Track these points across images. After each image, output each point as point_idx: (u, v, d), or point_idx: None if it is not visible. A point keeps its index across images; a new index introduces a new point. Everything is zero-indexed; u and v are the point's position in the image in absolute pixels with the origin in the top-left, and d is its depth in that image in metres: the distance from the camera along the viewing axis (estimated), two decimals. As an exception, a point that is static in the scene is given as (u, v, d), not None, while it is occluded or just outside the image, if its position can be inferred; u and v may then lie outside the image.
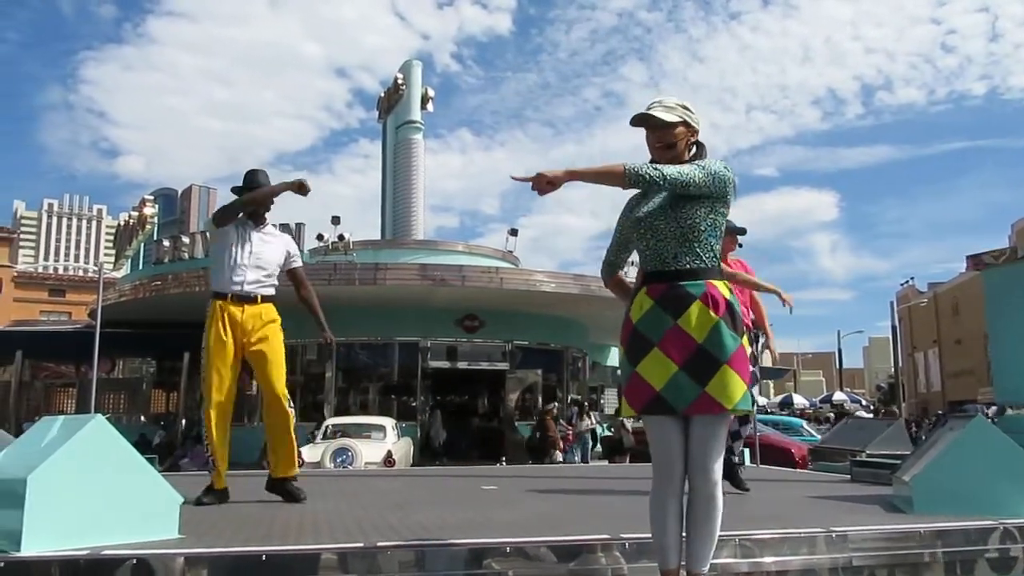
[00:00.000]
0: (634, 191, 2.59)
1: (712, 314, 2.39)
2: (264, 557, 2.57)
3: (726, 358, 2.35)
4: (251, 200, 4.18)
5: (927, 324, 55.40)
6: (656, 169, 2.42)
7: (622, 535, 2.85)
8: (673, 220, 2.47)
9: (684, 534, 2.42)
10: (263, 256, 4.19)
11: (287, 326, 4.28)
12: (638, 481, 5.13)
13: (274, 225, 4.42)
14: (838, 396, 35.69)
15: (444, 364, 19.69)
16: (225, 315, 4.03)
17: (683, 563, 2.41)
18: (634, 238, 2.57)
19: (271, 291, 4.22)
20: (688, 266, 2.45)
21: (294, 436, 4.16)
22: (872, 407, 42.80)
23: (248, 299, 4.09)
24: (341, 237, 20.02)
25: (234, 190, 4.35)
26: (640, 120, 2.56)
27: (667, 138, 2.55)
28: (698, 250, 2.47)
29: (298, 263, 4.42)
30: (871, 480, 5.04)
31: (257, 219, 4.27)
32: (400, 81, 28.88)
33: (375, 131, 32.60)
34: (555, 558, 2.75)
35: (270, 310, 4.18)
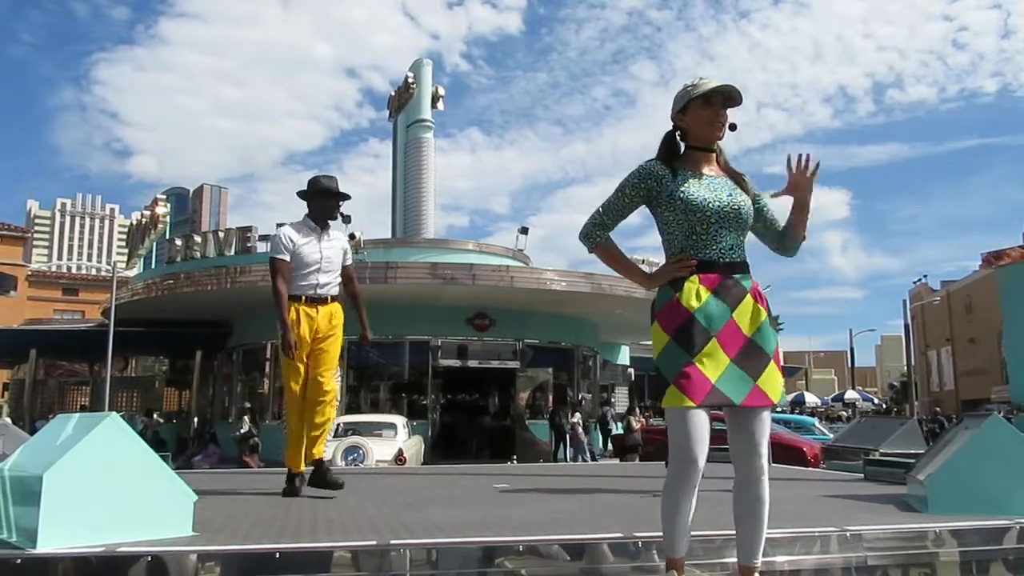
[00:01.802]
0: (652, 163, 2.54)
1: (761, 309, 2.43)
2: (277, 555, 2.58)
3: (772, 352, 2.41)
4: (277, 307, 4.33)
5: (940, 322, 55.03)
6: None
7: (635, 534, 2.85)
8: (739, 211, 2.49)
9: (735, 528, 2.50)
10: (332, 260, 4.46)
11: None
12: (649, 480, 5.12)
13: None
14: (850, 395, 35.56)
15: (455, 362, 19.71)
16: (301, 316, 4.29)
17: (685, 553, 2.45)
18: (694, 222, 2.45)
19: (337, 290, 4.51)
20: (740, 259, 2.49)
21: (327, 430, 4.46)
22: (884, 405, 42.59)
23: (322, 301, 4.39)
24: (352, 236, 20.07)
25: (299, 195, 4.58)
26: (729, 95, 2.50)
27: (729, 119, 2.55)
28: (744, 243, 2.52)
29: (350, 261, 4.65)
30: (885, 479, 5.01)
31: (325, 226, 4.51)
32: (410, 80, 28.91)
33: (385, 131, 32.70)
34: (567, 556, 2.75)
35: (338, 310, 4.49)
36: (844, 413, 33.26)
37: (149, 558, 2.47)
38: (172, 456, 13.63)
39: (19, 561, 2.44)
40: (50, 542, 2.50)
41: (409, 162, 28.89)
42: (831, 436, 13.75)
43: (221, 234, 21.63)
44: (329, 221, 4.52)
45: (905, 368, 37.96)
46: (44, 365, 24.90)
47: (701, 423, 2.34)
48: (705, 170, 2.54)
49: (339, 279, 4.52)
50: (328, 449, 11.78)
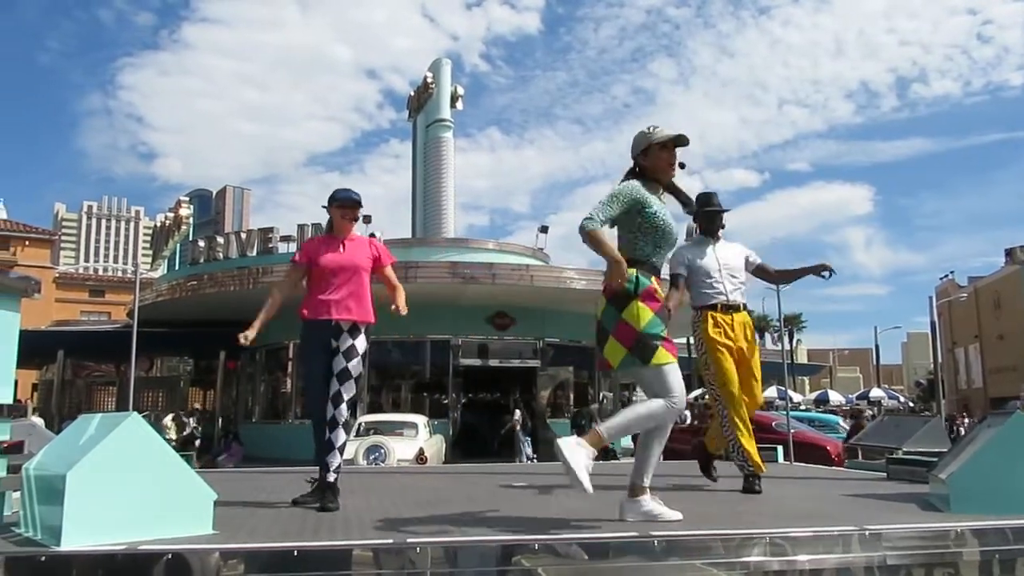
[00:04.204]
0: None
1: None
2: (296, 553, 2.60)
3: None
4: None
5: (967, 319, 54.23)
6: None
7: (651, 533, 2.84)
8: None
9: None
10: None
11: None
12: (668, 479, 5.10)
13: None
14: (875, 393, 35.13)
15: (475, 362, 19.75)
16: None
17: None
18: (660, 239, 3.33)
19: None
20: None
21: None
22: (911, 404, 42.03)
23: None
24: (373, 236, 20.13)
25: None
26: (682, 140, 3.31)
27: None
28: None
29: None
30: (907, 478, 4.95)
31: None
32: (430, 80, 28.98)
33: (405, 131, 32.85)
34: (586, 556, 2.74)
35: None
36: (870, 411, 32.87)
37: (170, 556, 2.50)
38: (196, 455, 13.74)
39: (43, 559, 2.48)
40: (73, 540, 2.54)
41: (429, 162, 28.96)
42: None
43: (243, 235, 21.82)
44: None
45: (932, 366, 37.46)
46: (72, 366, 25.25)
47: (679, 373, 3.19)
48: (659, 197, 3.35)
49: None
50: (350, 448, 11.90)
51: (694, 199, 3.63)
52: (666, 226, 3.28)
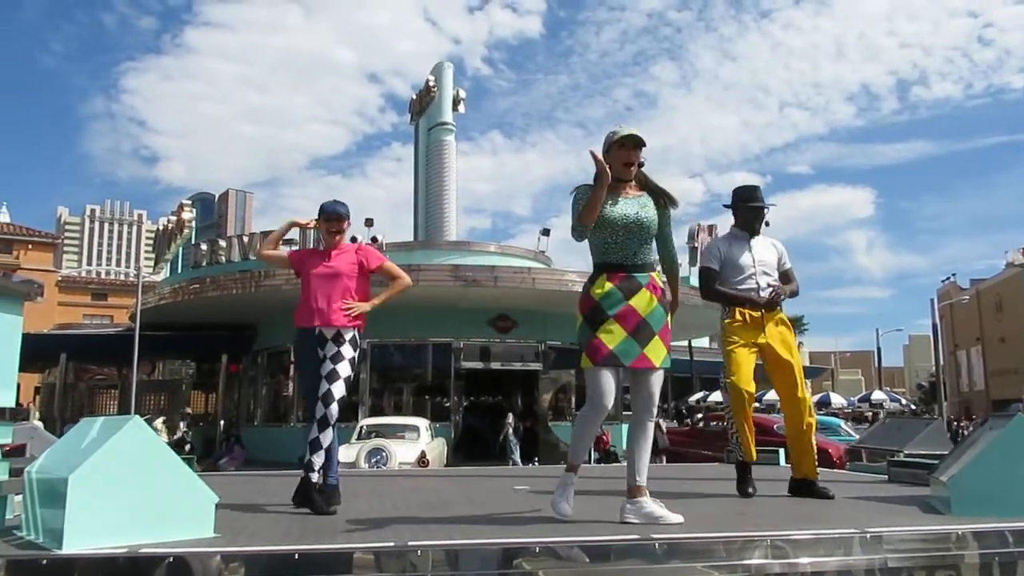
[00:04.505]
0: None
1: (653, 297, 3.41)
2: (297, 556, 2.61)
3: (658, 329, 3.40)
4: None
5: (970, 322, 54.19)
6: None
7: (652, 536, 2.84)
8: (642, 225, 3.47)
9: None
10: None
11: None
12: (671, 482, 5.10)
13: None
14: (877, 395, 35.05)
15: (477, 365, 19.73)
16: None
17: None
18: (606, 233, 3.44)
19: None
20: (642, 261, 3.48)
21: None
22: (913, 406, 41.98)
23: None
24: (374, 239, 20.19)
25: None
26: (637, 141, 3.42)
27: (640, 157, 3.48)
28: (649, 248, 3.54)
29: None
30: (909, 481, 4.94)
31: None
32: (432, 83, 29.04)
33: (407, 135, 32.91)
34: (587, 558, 2.75)
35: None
36: (870, 414, 32.84)
37: (171, 559, 2.51)
38: (198, 458, 13.76)
39: (45, 562, 2.48)
40: (75, 543, 2.54)
41: (431, 165, 29.01)
42: (857, 437, 13.59)
43: (246, 238, 21.85)
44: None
45: (934, 368, 37.41)
46: (74, 369, 25.27)
47: (606, 377, 3.31)
48: (621, 194, 3.45)
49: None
50: (351, 451, 11.91)
51: (669, 195, 3.62)
52: (614, 216, 3.39)
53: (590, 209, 3.34)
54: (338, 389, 3.96)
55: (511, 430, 17.21)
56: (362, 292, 4.21)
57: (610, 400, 3.31)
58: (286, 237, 4.82)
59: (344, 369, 4.01)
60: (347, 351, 4.05)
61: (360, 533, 3.11)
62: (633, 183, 3.53)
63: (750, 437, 4.48)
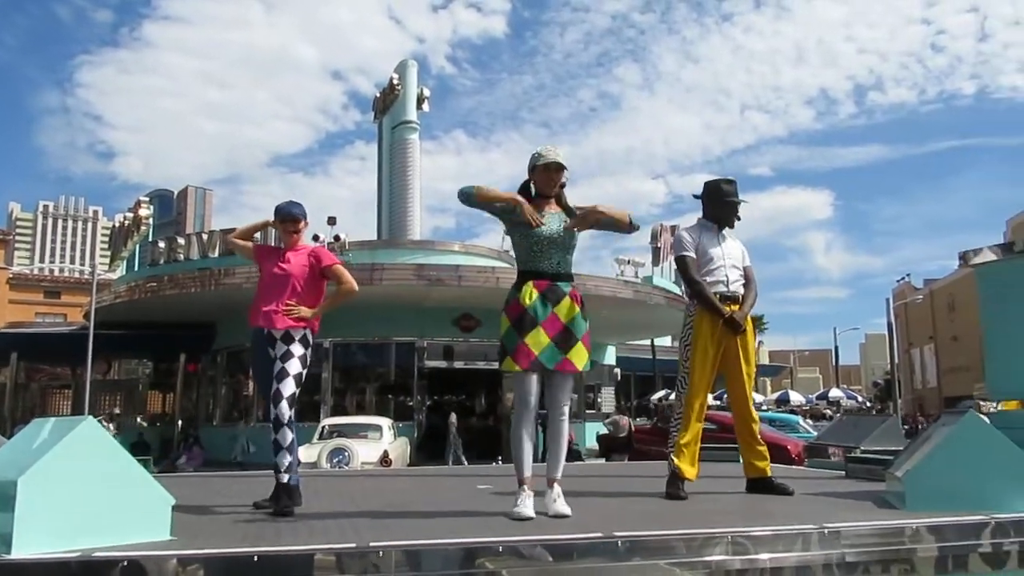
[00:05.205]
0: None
1: (575, 306, 3.64)
2: (256, 558, 2.56)
3: (580, 336, 3.62)
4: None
5: (923, 321, 55.49)
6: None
7: (615, 533, 2.85)
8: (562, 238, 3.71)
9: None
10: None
11: None
12: (633, 480, 5.13)
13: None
14: (834, 393, 35.74)
15: (441, 364, 19.69)
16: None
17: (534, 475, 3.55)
18: (531, 244, 3.66)
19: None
20: (564, 271, 3.71)
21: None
22: (868, 403, 42.84)
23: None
24: (337, 238, 20.02)
25: None
26: (559, 166, 3.70)
27: (562, 179, 3.76)
28: (570, 260, 3.77)
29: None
30: (865, 476, 5.03)
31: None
32: (395, 81, 28.86)
33: (370, 133, 32.70)
34: (550, 557, 2.75)
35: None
36: (828, 411, 33.45)
37: (125, 563, 2.45)
38: (156, 459, 13.53)
39: (-7, 567, 2.41)
40: (25, 548, 2.47)
41: (395, 163, 28.84)
42: (815, 434, 13.81)
43: (205, 236, 21.51)
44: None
45: (889, 366, 38.24)
46: (25, 369, 24.65)
47: (531, 381, 3.56)
48: (545, 209, 3.71)
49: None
50: (313, 451, 11.79)
51: (576, 215, 3.77)
52: (540, 229, 3.63)
53: (494, 200, 3.69)
54: (287, 388, 3.90)
55: (455, 429, 17.27)
56: (315, 293, 4.18)
57: (536, 400, 3.58)
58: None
59: (293, 367, 3.96)
60: (296, 349, 4.01)
61: (321, 534, 3.07)
62: (553, 201, 3.79)
63: (692, 451, 4.30)
